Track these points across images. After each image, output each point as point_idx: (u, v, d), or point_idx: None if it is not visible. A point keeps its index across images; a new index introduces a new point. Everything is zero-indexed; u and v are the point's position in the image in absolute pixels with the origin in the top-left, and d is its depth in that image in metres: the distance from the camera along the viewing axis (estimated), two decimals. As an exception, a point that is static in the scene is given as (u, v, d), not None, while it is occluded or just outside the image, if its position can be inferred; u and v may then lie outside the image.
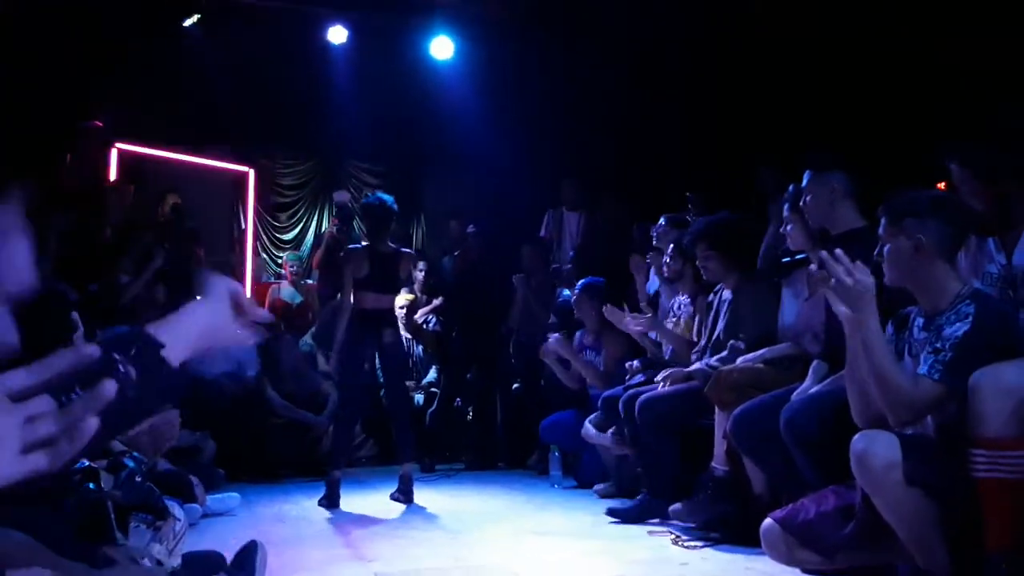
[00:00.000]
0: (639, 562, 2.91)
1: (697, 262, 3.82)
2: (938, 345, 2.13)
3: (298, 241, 10.22)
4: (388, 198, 4.65)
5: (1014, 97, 3.64)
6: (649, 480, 3.77)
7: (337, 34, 7.79)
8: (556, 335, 5.12)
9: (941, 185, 3.28)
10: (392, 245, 4.66)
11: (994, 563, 1.94)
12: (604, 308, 4.44)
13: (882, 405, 2.13)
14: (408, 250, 5.27)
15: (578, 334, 5.27)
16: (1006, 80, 4.06)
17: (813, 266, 2.16)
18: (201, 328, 1.13)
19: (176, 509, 2.18)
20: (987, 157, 2.39)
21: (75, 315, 2.32)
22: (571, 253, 6.21)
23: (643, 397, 3.65)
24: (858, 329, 2.11)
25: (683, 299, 4.39)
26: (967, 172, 2.41)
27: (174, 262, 5.67)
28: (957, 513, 2.03)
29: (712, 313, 3.81)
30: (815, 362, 2.98)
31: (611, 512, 3.76)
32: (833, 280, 2.08)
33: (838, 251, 2.09)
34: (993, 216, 2.38)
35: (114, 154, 7.66)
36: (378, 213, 4.58)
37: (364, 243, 4.64)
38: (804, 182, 3.03)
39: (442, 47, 7.79)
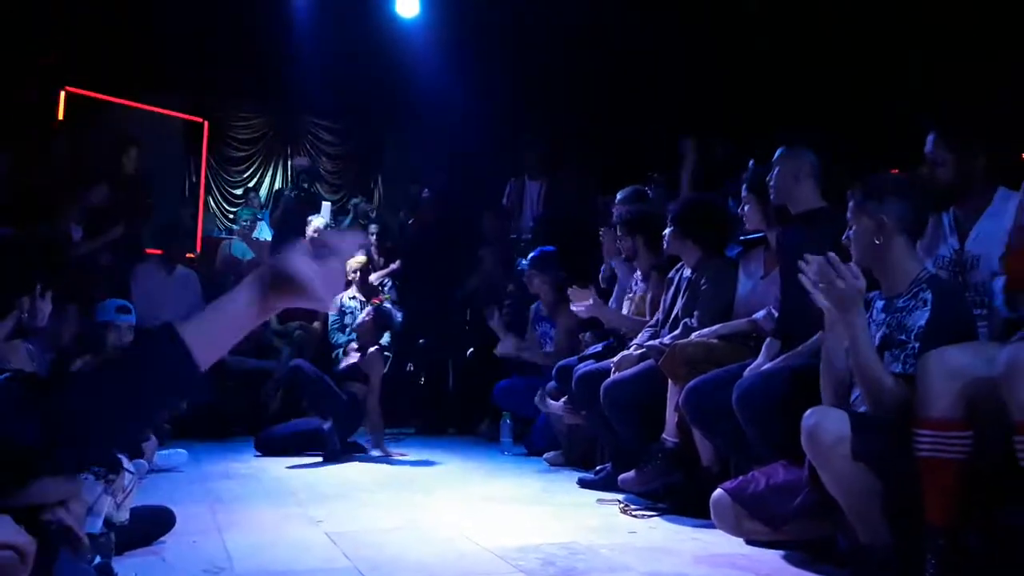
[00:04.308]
0: (588, 529, 2.95)
1: (665, 243, 3.82)
2: (902, 337, 2.20)
3: (250, 196, 9.97)
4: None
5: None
6: (613, 455, 3.82)
7: (301, -15, 7.59)
8: (505, 343, 5.06)
9: (894, 171, 3.34)
10: None
11: (932, 538, 2.01)
12: (569, 291, 4.33)
13: (868, 402, 2.21)
14: None
15: (534, 305, 5.27)
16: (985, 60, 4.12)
17: (816, 255, 2.19)
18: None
19: (127, 463, 2.14)
20: (963, 131, 2.46)
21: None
22: (531, 223, 6.18)
23: (607, 382, 3.65)
24: (846, 330, 2.16)
25: (638, 275, 4.39)
26: (941, 140, 2.48)
27: (125, 231, 5.63)
28: (899, 490, 2.10)
29: (672, 290, 3.82)
30: (768, 340, 3.04)
31: (581, 482, 3.85)
32: (825, 284, 2.13)
33: (831, 255, 2.14)
34: (956, 189, 2.45)
35: (63, 96, 7.39)
36: None
37: None
38: (775, 157, 3.06)
39: (408, 4, 7.63)
